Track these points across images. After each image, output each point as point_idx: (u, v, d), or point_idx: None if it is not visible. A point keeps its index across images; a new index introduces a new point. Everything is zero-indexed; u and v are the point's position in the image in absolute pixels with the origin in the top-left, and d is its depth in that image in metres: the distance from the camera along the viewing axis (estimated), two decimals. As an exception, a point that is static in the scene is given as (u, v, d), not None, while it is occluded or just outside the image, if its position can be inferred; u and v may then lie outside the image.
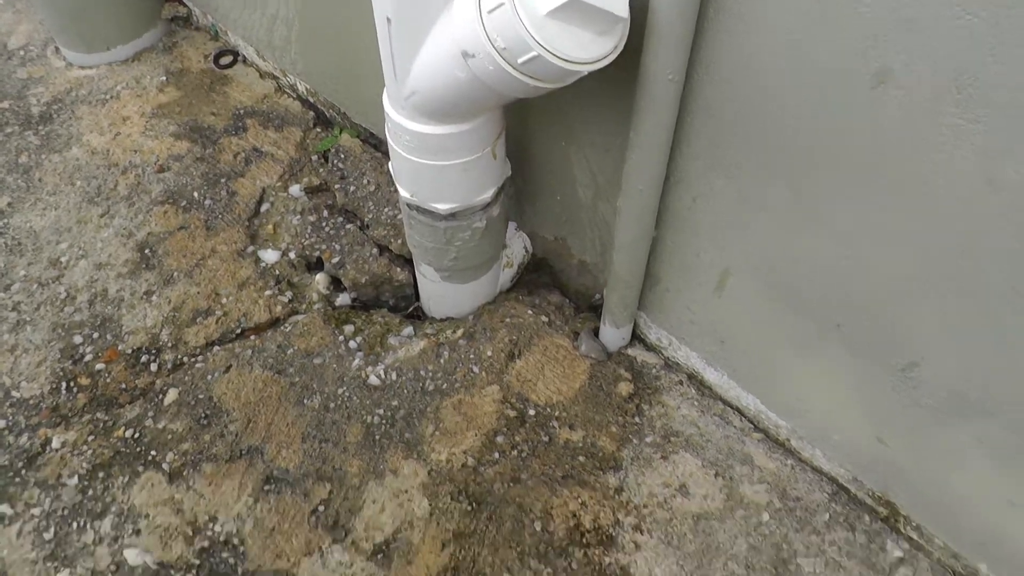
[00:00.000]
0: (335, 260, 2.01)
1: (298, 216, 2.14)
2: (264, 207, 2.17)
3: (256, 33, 2.49)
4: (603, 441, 1.67)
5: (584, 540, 1.54)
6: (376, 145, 2.26)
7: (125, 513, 1.58)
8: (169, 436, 1.68)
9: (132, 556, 1.52)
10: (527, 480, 1.61)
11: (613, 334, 1.77)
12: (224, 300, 1.94)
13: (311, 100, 2.47)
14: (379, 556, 1.52)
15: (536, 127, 1.67)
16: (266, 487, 1.61)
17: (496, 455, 1.64)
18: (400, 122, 1.44)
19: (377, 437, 1.68)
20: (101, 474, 1.63)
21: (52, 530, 1.56)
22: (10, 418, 1.72)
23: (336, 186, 2.17)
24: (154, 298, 1.94)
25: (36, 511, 1.58)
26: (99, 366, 1.81)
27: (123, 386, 1.78)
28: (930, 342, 1.27)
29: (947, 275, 1.17)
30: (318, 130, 2.41)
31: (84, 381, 1.78)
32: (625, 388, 1.74)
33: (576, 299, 1.94)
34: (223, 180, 2.22)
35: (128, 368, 1.81)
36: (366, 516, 1.57)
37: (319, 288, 1.99)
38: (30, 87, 2.55)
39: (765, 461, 1.65)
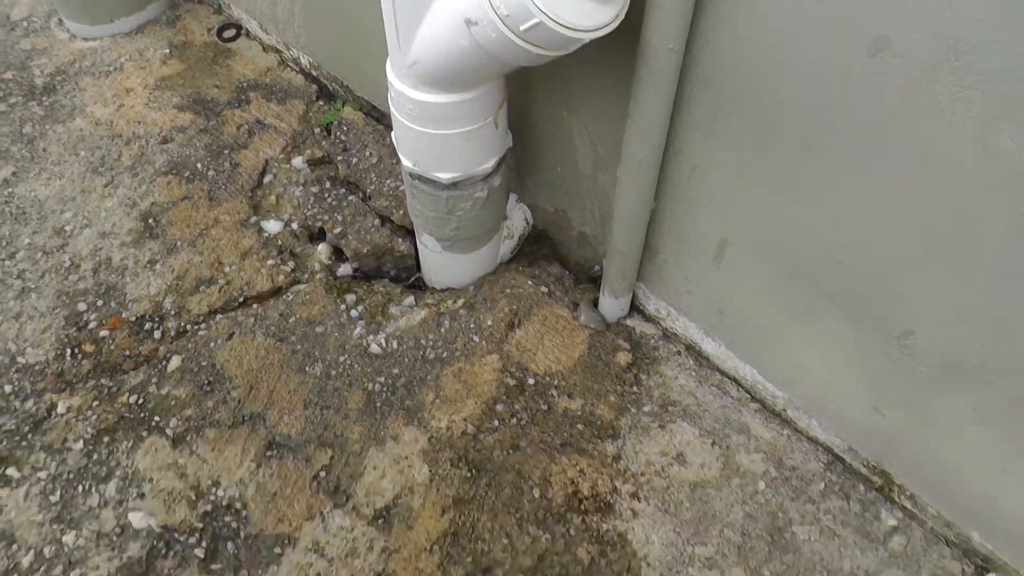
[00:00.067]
0: (337, 231, 2.02)
1: (300, 187, 2.15)
2: (267, 179, 2.18)
3: (259, 6, 2.50)
4: (601, 410, 1.68)
5: (582, 507, 1.56)
6: (378, 118, 2.27)
7: (129, 477, 1.60)
8: (172, 402, 1.70)
9: (136, 519, 1.54)
10: (526, 447, 1.63)
11: (612, 305, 1.79)
12: (227, 269, 1.95)
13: (314, 73, 2.47)
14: (380, 521, 1.54)
15: (538, 98, 1.68)
16: (268, 453, 1.63)
17: (496, 423, 1.66)
18: (403, 91, 1.45)
19: (378, 404, 1.69)
20: (106, 439, 1.65)
21: (58, 493, 1.58)
22: (16, 383, 1.74)
23: (339, 158, 2.18)
24: (157, 267, 1.95)
25: (42, 474, 1.60)
26: (103, 333, 1.83)
27: (127, 353, 1.80)
28: (925, 310, 1.28)
29: (942, 243, 1.18)
30: (321, 103, 2.42)
31: (88, 348, 1.80)
32: (624, 358, 1.75)
33: (576, 271, 1.96)
34: (226, 152, 2.23)
35: (132, 335, 1.83)
36: (367, 482, 1.59)
37: (321, 258, 2.01)
38: (33, 58, 2.56)
39: (762, 431, 1.67)
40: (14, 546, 1.51)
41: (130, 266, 1.96)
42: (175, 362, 1.77)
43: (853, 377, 1.48)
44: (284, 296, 1.90)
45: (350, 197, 2.11)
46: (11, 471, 1.60)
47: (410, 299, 1.89)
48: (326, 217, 2.06)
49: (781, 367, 1.63)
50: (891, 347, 1.37)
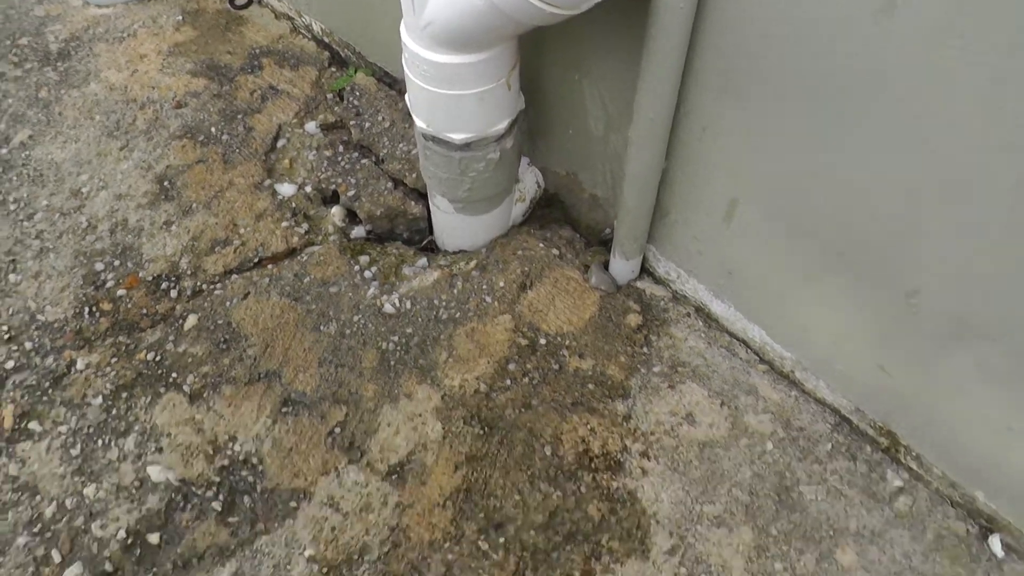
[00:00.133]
0: (351, 193, 2.04)
1: (314, 151, 2.17)
2: (280, 143, 2.20)
3: (272, -28, 2.51)
4: (612, 370, 1.70)
5: (592, 465, 1.58)
6: (391, 84, 2.29)
7: (148, 432, 1.62)
8: (189, 359, 1.73)
9: (155, 472, 1.57)
10: (538, 406, 1.65)
11: (623, 266, 1.81)
12: (242, 231, 1.97)
13: (326, 40, 2.48)
14: (394, 477, 1.57)
15: (550, 61, 1.69)
16: (284, 409, 1.65)
17: (508, 381, 1.68)
18: (417, 52, 1.47)
19: (392, 363, 1.72)
20: (124, 394, 1.67)
21: (79, 447, 1.61)
22: (36, 340, 1.76)
23: (351, 122, 2.20)
24: (173, 228, 1.98)
25: (63, 428, 1.63)
26: (120, 292, 1.85)
27: (144, 311, 1.82)
28: (933, 267, 1.29)
29: (949, 200, 1.19)
30: (333, 69, 2.43)
31: (106, 306, 1.83)
32: (634, 319, 1.77)
33: (587, 234, 1.97)
34: (240, 116, 2.25)
35: (149, 294, 1.85)
36: (381, 438, 1.62)
37: (335, 220, 2.03)
38: (47, 24, 2.57)
39: (769, 392, 1.69)
40: (37, 497, 1.54)
41: (146, 227, 1.98)
42: (191, 320, 1.79)
43: (860, 337, 1.50)
44: (298, 257, 1.92)
45: (363, 161, 2.12)
46: (33, 425, 1.63)
47: (423, 261, 1.91)
48: (339, 180, 2.08)
49: (789, 328, 1.65)
50: (898, 306, 1.38)
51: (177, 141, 2.17)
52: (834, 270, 1.45)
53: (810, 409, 1.67)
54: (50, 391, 1.68)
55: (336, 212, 2.04)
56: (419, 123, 1.63)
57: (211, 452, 1.60)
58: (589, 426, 1.62)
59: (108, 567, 1.46)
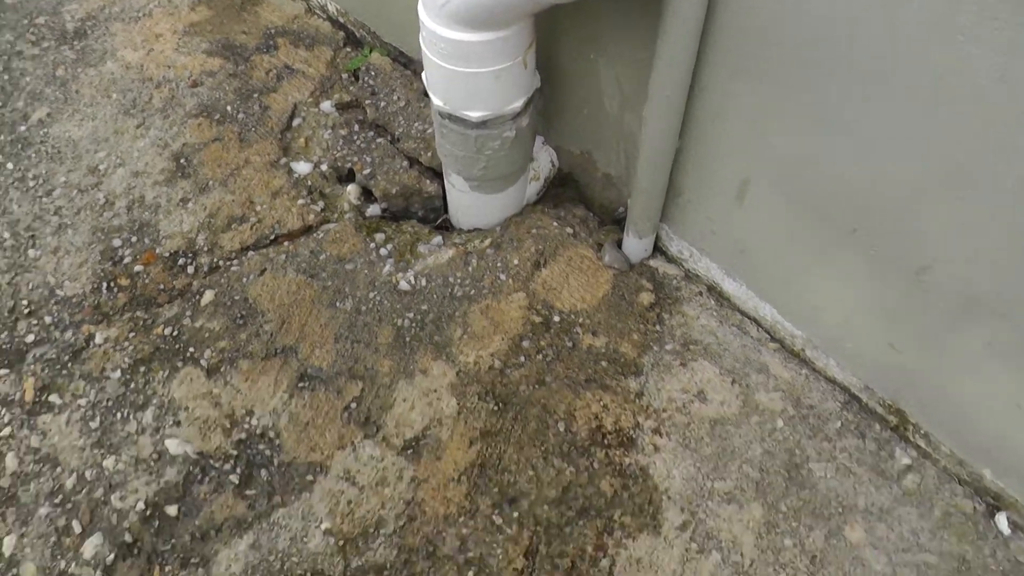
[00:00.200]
0: (366, 172, 2.05)
1: (329, 130, 2.18)
2: (296, 122, 2.21)
3: (287, -49, 2.51)
4: (625, 347, 1.72)
5: (605, 441, 1.60)
6: (406, 64, 2.29)
7: (166, 405, 1.65)
8: (206, 334, 1.75)
9: (173, 446, 1.59)
10: (551, 383, 1.67)
11: (636, 245, 1.82)
12: (258, 208, 1.99)
13: (341, 20, 2.49)
14: (409, 451, 1.59)
15: (565, 40, 1.70)
16: (300, 384, 1.67)
17: (522, 358, 1.70)
18: (435, 30, 1.48)
19: (407, 339, 1.73)
20: (142, 368, 1.70)
21: (98, 420, 1.63)
22: (55, 315, 1.79)
23: (367, 102, 2.21)
24: (190, 205, 1.99)
25: (82, 401, 1.65)
26: (138, 268, 1.87)
27: (161, 287, 1.84)
28: (943, 244, 1.30)
29: (960, 176, 1.20)
30: (348, 49, 2.44)
31: (124, 281, 1.85)
32: (647, 298, 1.79)
33: (600, 213, 1.99)
34: (255, 95, 2.26)
35: (166, 270, 1.87)
36: (396, 413, 1.64)
37: (350, 198, 2.04)
38: (64, 4, 2.58)
39: (780, 370, 1.70)
40: (58, 468, 1.56)
41: (163, 204, 2.00)
42: (208, 296, 1.81)
43: (871, 314, 1.51)
44: (314, 234, 1.93)
45: (378, 140, 2.14)
46: (53, 397, 1.66)
47: (438, 239, 1.92)
48: (355, 159, 2.09)
49: (800, 306, 1.66)
50: (908, 283, 1.39)
51: (193, 119, 2.19)
52: (845, 248, 1.45)
53: (820, 387, 1.68)
54: (69, 365, 1.70)
55: (352, 190, 2.06)
56: (436, 101, 1.64)
57: (228, 426, 1.62)
58: (602, 403, 1.64)
59: (127, 538, 1.49)
